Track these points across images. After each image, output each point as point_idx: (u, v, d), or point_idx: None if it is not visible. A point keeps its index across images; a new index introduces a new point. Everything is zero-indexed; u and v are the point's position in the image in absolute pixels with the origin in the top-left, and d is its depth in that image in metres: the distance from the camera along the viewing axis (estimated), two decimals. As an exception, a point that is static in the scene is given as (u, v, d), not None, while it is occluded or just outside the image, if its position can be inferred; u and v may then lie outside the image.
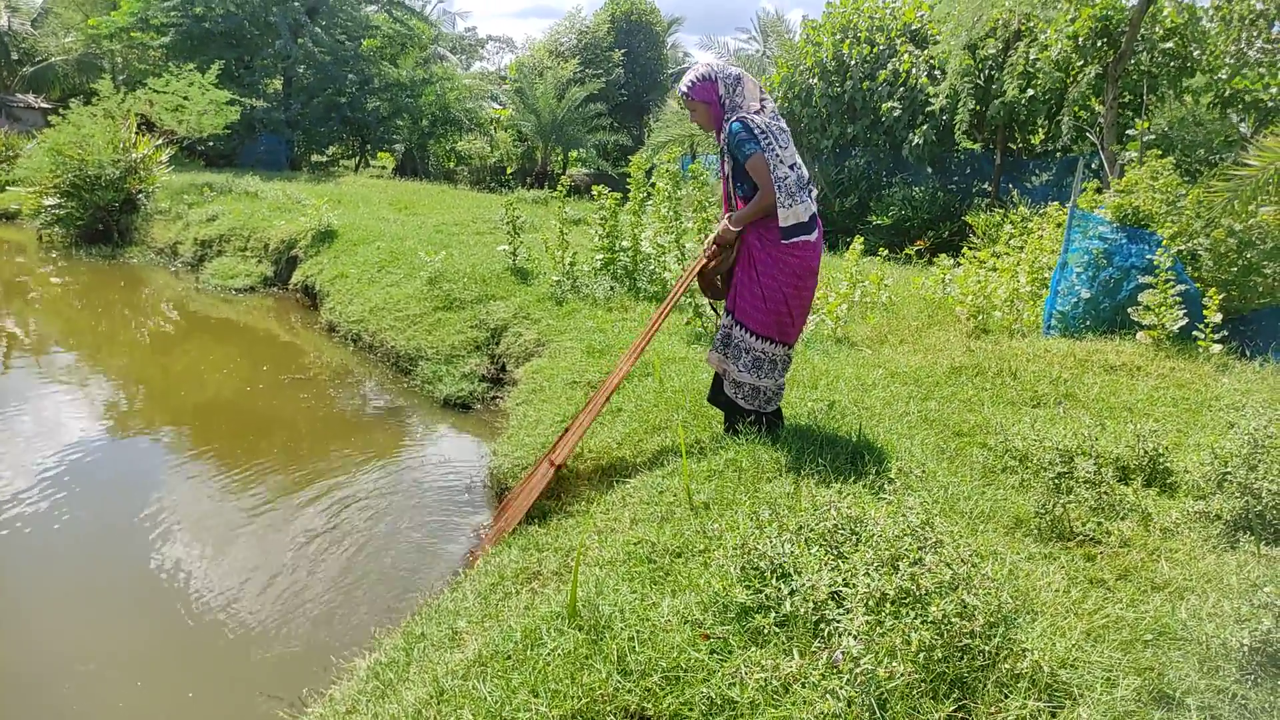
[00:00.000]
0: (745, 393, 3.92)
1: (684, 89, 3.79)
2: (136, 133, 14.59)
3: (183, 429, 6.18)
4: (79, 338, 9.06)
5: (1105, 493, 3.12)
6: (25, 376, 7.44)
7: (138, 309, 10.69)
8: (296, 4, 21.41)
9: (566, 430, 4.28)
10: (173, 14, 19.88)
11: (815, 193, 3.82)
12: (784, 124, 3.74)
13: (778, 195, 3.60)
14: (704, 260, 3.97)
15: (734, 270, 3.90)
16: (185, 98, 17.72)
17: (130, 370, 7.86)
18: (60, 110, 15.49)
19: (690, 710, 2.11)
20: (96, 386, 7.28)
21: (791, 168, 3.65)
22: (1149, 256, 5.73)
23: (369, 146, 24.96)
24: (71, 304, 10.78)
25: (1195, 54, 11.45)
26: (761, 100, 3.73)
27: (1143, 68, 11.49)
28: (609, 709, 2.15)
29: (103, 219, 13.67)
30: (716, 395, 4.13)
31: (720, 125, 3.74)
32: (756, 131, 3.60)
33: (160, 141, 15.28)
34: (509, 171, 26.17)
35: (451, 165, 26.55)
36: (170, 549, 4.32)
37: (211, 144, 19.78)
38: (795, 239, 3.68)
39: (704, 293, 4.15)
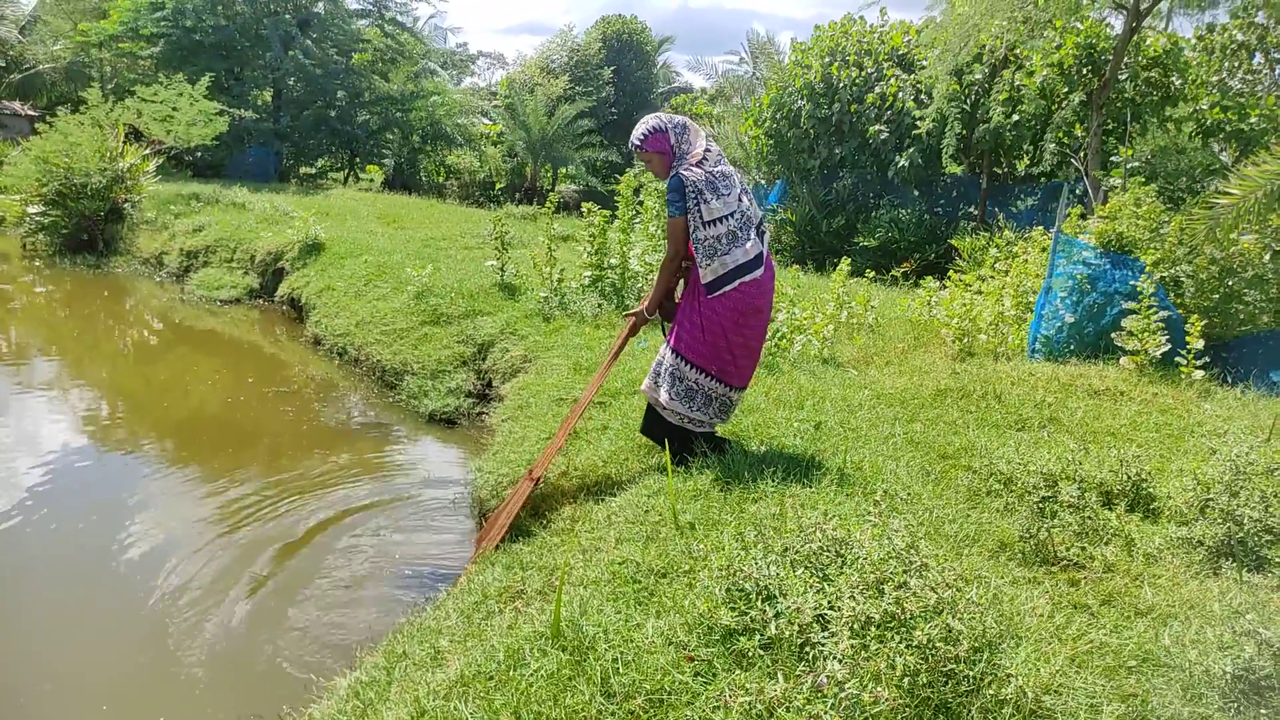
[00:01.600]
0: (693, 421, 3.90)
1: (636, 142, 3.82)
2: (124, 142, 14.52)
3: (164, 441, 6.12)
4: (61, 346, 8.98)
5: (1089, 517, 3.13)
6: (3, 386, 7.36)
7: (122, 319, 10.61)
8: (288, 16, 21.42)
9: (548, 447, 4.28)
10: (163, 24, 19.83)
11: (764, 232, 3.85)
12: (726, 167, 3.78)
13: (697, 255, 3.68)
14: (625, 335, 4.22)
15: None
16: (174, 108, 17.66)
17: (112, 381, 7.78)
18: (47, 118, 15.41)
19: (674, 734, 2.09)
20: (77, 397, 7.20)
21: (720, 221, 3.66)
22: (1132, 282, 5.78)
23: (358, 160, 24.92)
24: (54, 313, 10.68)
25: (1177, 83, 11.63)
26: (705, 148, 3.78)
27: (1126, 95, 11.66)
28: (592, 732, 2.13)
29: (88, 228, 13.57)
30: (650, 427, 4.09)
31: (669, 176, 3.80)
32: (689, 189, 3.65)
33: (148, 151, 15.22)
34: (498, 187, 26.20)
35: (441, 180, 26.55)
36: (146, 564, 4.27)
37: (200, 154, 19.70)
38: (725, 288, 3.69)
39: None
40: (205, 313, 10.66)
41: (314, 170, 24.75)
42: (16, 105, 25.06)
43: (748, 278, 3.71)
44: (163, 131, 17.40)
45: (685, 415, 3.87)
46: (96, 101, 15.78)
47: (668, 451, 3.68)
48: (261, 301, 11.23)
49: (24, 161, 14.26)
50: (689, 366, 3.80)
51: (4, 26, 25.40)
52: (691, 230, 3.68)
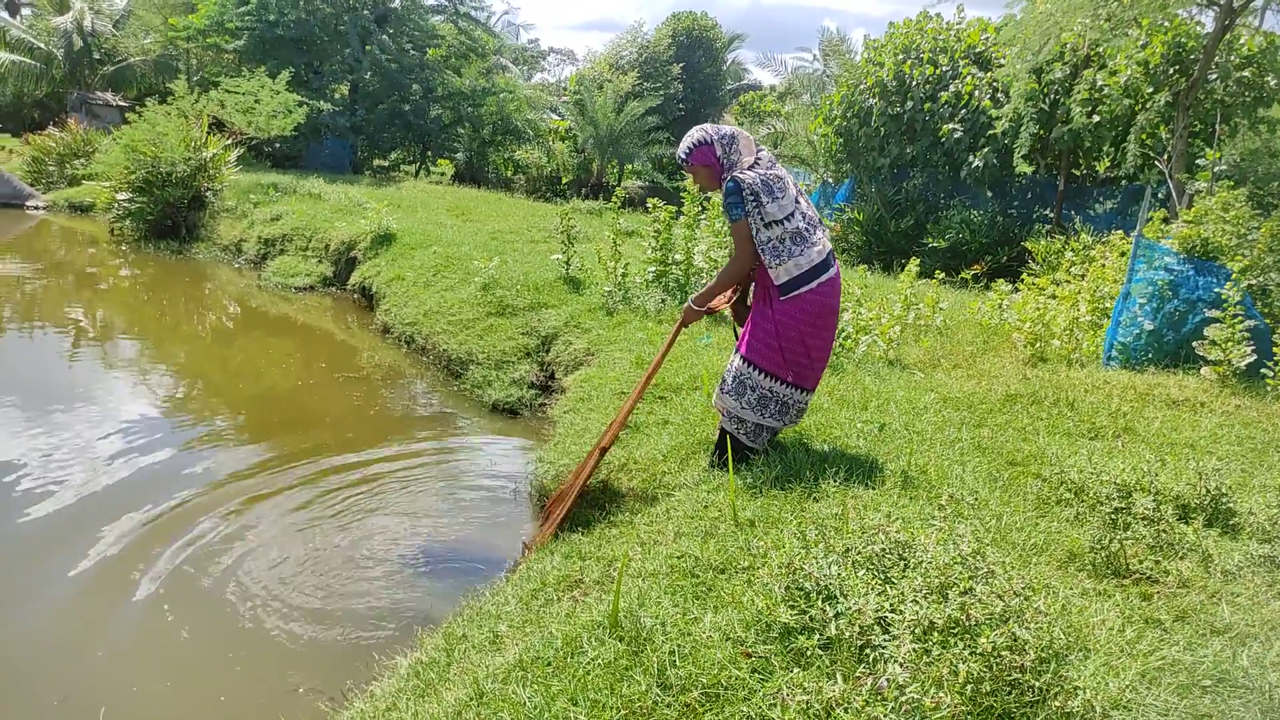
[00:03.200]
0: (748, 430, 3.87)
1: (682, 155, 3.83)
2: (208, 132, 15.04)
3: (236, 420, 6.33)
4: (144, 327, 9.35)
5: (1164, 531, 3.03)
6: (91, 363, 7.70)
7: (201, 303, 11.00)
8: (366, 12, 21.90)
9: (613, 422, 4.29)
10: (247, 18, 20.46)
11: (825, 232, 3.81)
12: (781, 170, 3.74)
13: (764, 257, 3.64)
14: (677, 327, 4.09)
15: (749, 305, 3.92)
16: (255, 100, 18.22)
17: (190, 362, 8.08)
18: (137, 108, 16.04)
19: (729, 728, 2.09)
20: (156, 375, 7.50)
21: (780, 223, 3.63)
22: (1217, 289, 5.56)
23: (430, 153, 25.35)
24: (138, 296, 11.13)
25: (1272, 83, 11.12)
26: (756, 154, 3.75)
27: (1215, 96, 11.19)
28: (647, 722, 2.14)
29: (172, 215, 14.09)
30: (721, 445, 4.00)
31: (722, 185, 3.76)
32: (746, 193, 3.62)
33: (229, 141, 15.73)
34: (565, 181, 26.39)
35: (509, 174, 26.86)
36: (215, 539, 4.41)
37: (279, 145, 20.28)
38: (801, 289, 3.66)
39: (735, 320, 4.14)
40: (280, 299, 10.98)
41: (387, 163, 25.28)
42: (109, 96, 26.16)
43: (823, 278, 3.68)
44: (244, 122, 17.96)
45: (753, 424, 3.85)
46: (183, 93, 16.38)
47: (729, 447, 3.67)
48: (334, 289, 11.53)
49: (114, 150, 14.88)
50: (761, 374, 3.76)
51: (99, 20, 26.51)
52: (754, 233, 3.65)
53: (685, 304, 4.04)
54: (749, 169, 3.67)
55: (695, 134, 3.80)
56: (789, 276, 3.64)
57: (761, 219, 3.62)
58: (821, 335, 3.77)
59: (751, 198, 3.61)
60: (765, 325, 3.75)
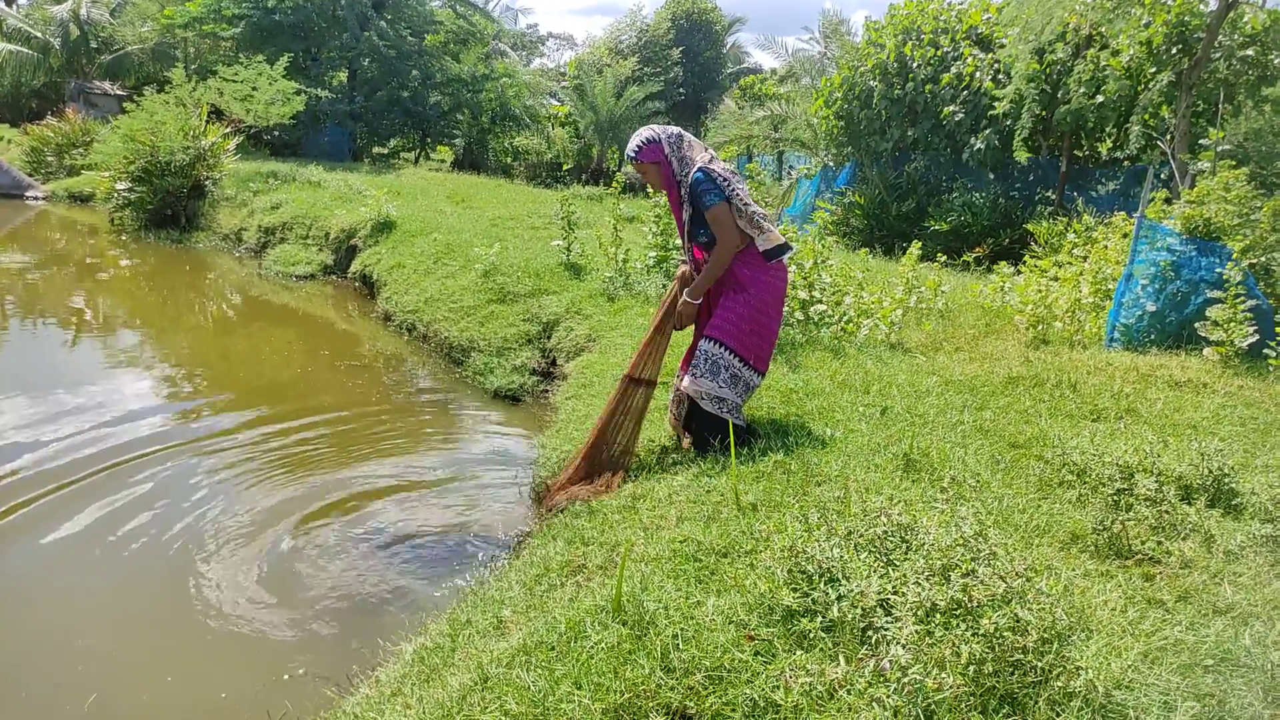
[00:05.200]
0: (729, 407, 3.97)
1: (631, 153, 3.95)
2: (206, 121, 14.99)
3: (239, 408, 6.33)
4: (145, 317, 9.36)
5: (1166, 511, 3.03)
6: (91, 352, 7.70)
7: (202, 292, 10.99)
8: (363, -2, 21.82)
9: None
10: (244, 5, 20.37)
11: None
12: (735, 169, 3.99)
13: (750, 230, 3.85)
14: (661, 316, 4.17)
15: (708, 303, 4.08)
16: (254, 87, 18.16)
17: (192, 351, 8.08)
18: (135, 97, 16.00)
19: (733, 711, 2.10)
20: (158, 365, 7.50)
21: (750, 205, 3.87)
22: (1219, 270, 5.55)
23: (429, 140, 25.27)
24: (139, 285, 11.13)
25: (1276, 62, 11.03)
26: (709, 153, 3.93)
27: (1219, 75, 11.11)
28: (651, 705, 2.15)
29: (171, 204, 14.07)
30: (697, 426, 4.12)
31: (671, 183, 3.92)
32: (719, 180, 3.80)
33: (228, 130, 15.68)
34: (565, 167, 26.32)
35: (509, 160, 26.79)
36: (218, 527, 4.43)
37: (277, 133, 20.22)
38: (782, 257, 3.94)
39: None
40: (281, 288, 10.97)
41: (386, 150, 25.20)
42: (106, 85, 26.08)
43: (787, 255, 3.94)
44: (243, 110, 17.91)
45: (733, 401, 3.96)
46: (180, 81, 16.33)
47: (731, 432, 3.68)
48: (335, 277, 11.51)
49: (113, 139, 14.84)
50: (732, 355, 3.92)
51: (96, 9, 26.38)
52: (736, 214, 3.82)
53: (678, 299, 4.05)
54: (709, 164, 3.85)
55: (644, 132, 3.95)
56: (772, 245, 3.86)
57: (739, 198, 3.81)
58: (777, 320, 4.06)
59: (724, 182, 3.80)
60: (736, 309, 3.92)
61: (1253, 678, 2.17)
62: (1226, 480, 3.36)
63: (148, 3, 25.48)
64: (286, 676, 3.33)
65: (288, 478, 5.05)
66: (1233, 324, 5.32)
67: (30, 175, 19.20)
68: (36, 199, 18.04)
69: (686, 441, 4.25)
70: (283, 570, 4.06)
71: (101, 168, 15.34)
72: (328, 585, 3.96)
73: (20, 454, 5.12)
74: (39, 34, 25.51)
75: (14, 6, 30.42)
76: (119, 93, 25.07)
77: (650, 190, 8.28)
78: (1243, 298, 5.35)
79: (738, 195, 3.82)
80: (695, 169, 3.82)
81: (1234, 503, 3.32)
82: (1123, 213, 8.04)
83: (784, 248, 3.91)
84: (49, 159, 19.88)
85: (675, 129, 3.99)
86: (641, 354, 4.20)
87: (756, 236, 3.86)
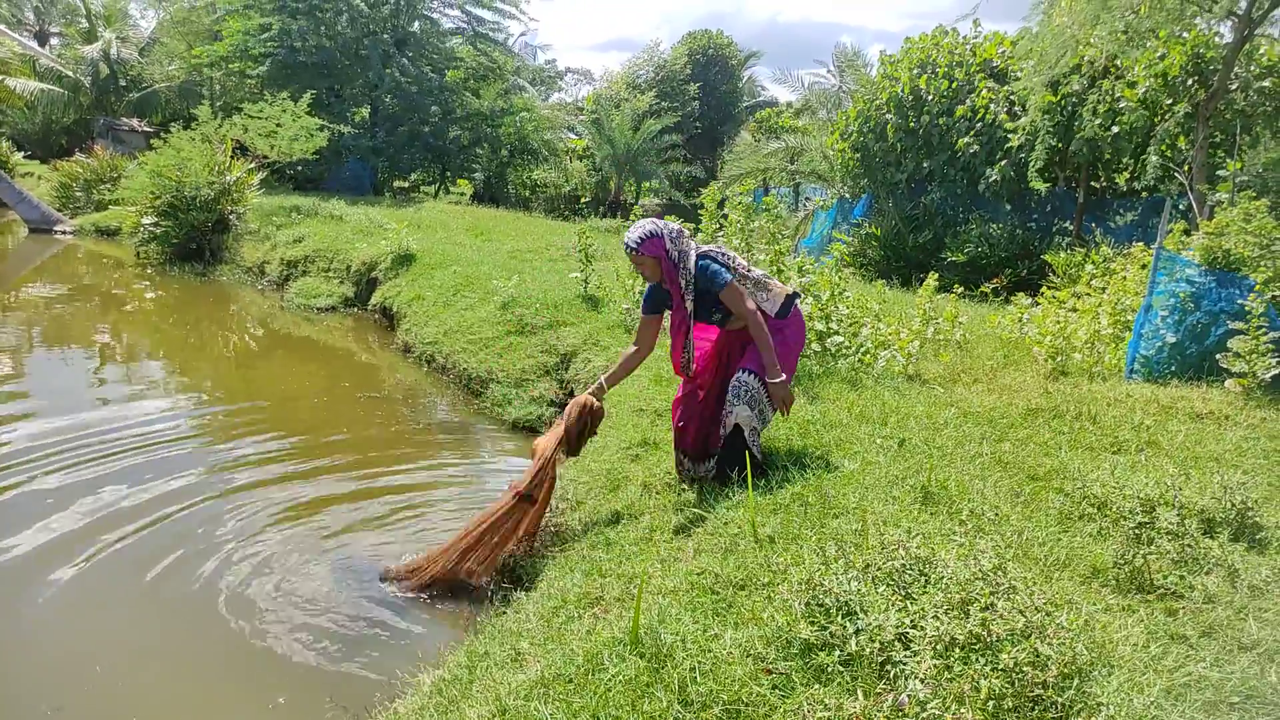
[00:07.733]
0: (757, 437, 4.06)
1: (632, 245, 3.94)
2: (231, 156, 15.28)
3: (259, 439, 6.39)
4: (169, 349, 9.48)
5: (1189, 545, 3.00)
6: (116, 384, 7.81)
7: (225, 324, 11.14)
8: (386, 36, 22.19)
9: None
10: (270, 44, 20.79)
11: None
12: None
13: (757, 293, 4.02)
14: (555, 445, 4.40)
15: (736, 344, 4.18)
16: (278, 124, 18.49)
17: (215, 382, 8.18)
18: (161, 134, 16.33)
19: (751, 745, 2.09)
20: (182, 395, 7.59)
21: (750, 270, 4.07)
22: (1240, 301, 5.51)
23: (449, 174, 25.58)
24: (164, 317, 11.29)
25: (1294, 93, 11.02)
26: (694, 243, 4.05)
27: (1236, 106, 11.11)
28: (669, 739, 2.14)
29: (196, 238, 14.32)
30: (733, 456, 4.09)
31: (671, 274, 3.96)
32: (721, 258, 3.99)
33: (253, 165, 15.97)
34: (583, 200, 26.55)
35: (527, 193, 27.05)
36: (239, 558, 4.46)
37: (301, 168, 20.55)
38: (792, 306, 4.09)
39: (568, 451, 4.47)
40: (303, 320, 11.10)
41: (407, 184, 25.53)
42: (134, 122, 26.69)
43: (796, 302, 4.12)
44: (267, 146, 18.24)
45: (758, 432, 4.06)
46: (206, 118, 16.67)
47: (749, 464, 3.69)
48: (356, 310, 11.65)
49: (139, 175, 15.15)
50: (761, 387, 3.98)
51: (126, 49, 27.07)
52: (745, 294, 3.96)
53: (772, 383, 3.92)
54: (702, 249, 4.01)
55: (647, 225, 3.98)
56: (779, 303, 4.04)
57: (741, 268, 4.01)
58: (795, 362, 4.19)
59: (725, 258, 4.00)
60: (782, 346, 4.04)
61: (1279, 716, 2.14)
62: (1250, 514, 3.33)
63: (175, 42, 26.10)
64: (308, 710, 3.34)
65: (307, 507, 5.09)
66: (1254, 355, 5.27)
67: (59, 210, 19.60)
68: (65, 233, 18.40)
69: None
70: (301, 600, 4.08)
71: (128, 203, 15.65)
72: (346, 614, 3.97)
73: (38, 474, 5.19)
74: (70, 73, 26.16)
75: (47, 46, 31.23)
76: (146, 129, 25.63)
77: (667, 223, 8.34)
78: (1264, 329, 5.31)
79: (739, 267, 4.00)
80: (694, 259, 3.92)
81: (1258, 536, 3.28)
82: (1141, 243, 8.01)
83: (790, 299, 4.05)
84: (77, 194, 20.30)
85: (675, 224, 4.08)
86: (536, 472, 4.28)
87: (763, 302, 4.01)
